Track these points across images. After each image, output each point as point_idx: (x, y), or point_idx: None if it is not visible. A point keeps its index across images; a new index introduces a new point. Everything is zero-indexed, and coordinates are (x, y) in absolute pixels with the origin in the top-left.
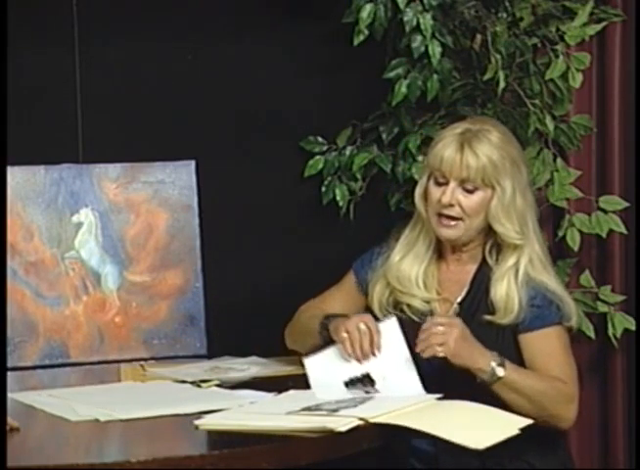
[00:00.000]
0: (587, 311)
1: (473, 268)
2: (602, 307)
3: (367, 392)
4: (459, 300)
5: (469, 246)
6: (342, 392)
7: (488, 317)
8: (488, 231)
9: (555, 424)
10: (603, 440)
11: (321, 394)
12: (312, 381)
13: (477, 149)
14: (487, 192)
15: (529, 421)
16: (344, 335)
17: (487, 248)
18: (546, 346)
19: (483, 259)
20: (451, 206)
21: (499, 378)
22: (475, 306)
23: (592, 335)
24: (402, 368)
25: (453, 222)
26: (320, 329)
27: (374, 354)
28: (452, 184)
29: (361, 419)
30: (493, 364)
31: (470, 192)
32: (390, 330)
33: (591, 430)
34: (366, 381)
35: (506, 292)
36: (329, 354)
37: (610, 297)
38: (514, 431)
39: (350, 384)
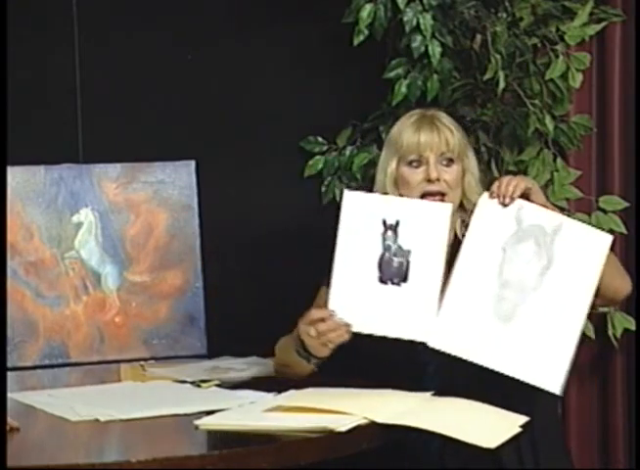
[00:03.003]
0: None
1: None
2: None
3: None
4: None
5: None
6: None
7: None
8: (458, 209)
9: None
10: (603, 440)
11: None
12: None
13: (448, 125)
14: (460, 165)
15: (527, 418)
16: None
17: (458, 225)
18: None
19: (455, 238)
20: (437, 181)
21: None
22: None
23: (592, 335)
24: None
25: (438, 198)
26: (299, 357)
27: None
28: (432, 160)
29: (365, 419)
30: None
31: (448, 165)
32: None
33: (591, 430)
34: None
35: None
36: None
37: None
38: (516, 428)
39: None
